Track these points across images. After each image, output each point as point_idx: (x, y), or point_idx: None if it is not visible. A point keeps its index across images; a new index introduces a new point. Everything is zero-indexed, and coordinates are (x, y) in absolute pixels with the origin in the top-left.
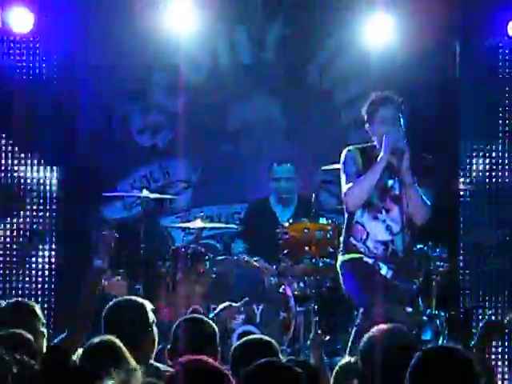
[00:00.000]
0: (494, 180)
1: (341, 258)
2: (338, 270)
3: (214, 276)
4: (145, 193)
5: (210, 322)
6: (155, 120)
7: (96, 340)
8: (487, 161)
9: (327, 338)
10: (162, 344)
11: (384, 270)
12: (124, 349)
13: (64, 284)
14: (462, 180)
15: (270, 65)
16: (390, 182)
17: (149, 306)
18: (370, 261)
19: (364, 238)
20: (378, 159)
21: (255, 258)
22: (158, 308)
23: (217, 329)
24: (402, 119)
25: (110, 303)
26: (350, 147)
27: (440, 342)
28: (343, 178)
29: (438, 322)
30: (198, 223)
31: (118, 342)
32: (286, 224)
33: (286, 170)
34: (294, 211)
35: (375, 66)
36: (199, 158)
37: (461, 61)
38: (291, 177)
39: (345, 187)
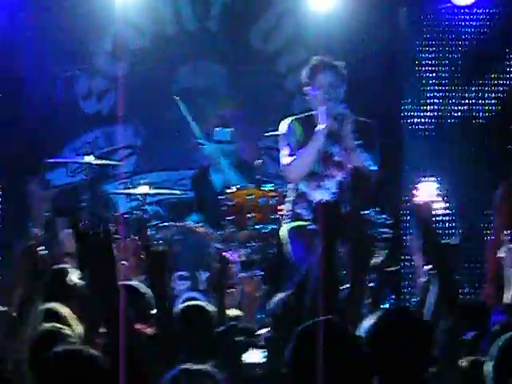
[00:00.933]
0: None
1: (287, 225)
2: (284, 237)
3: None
4: (88, 159)
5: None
6: (100, 86)
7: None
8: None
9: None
10: None
11: None
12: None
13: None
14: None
15: (214, 31)
16: (332, 149)
17: None
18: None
19: (309, 207)
20: (317, 130)
21: (199, 224)
22: None
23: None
24: (343, 84)
25: None
26: (290, 118)
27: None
28: (283, 150)
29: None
30: (142, 189)
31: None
32: (230, 190)
33: (226, 134)
34: (233, 177)
35: (320, 31)
36: (143, 124)
37: (404, 26)
38: (231, 140)
39: (286, 160)
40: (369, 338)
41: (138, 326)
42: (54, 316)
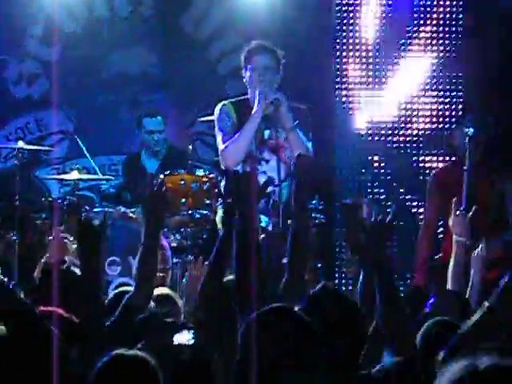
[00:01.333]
0: (369, 132)
1: (221, 211)
2: (219, 223)
3: None
4: (20, 144)
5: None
6: (30, 70)
7: None
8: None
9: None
10: None
11: (264, 223)
12: None
13: None
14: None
15: (147, 17)
16: (267, 133)
17: None
18: None
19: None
20: (252, 114)
21: (132, 210)
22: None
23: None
24: (278, 70)
25: None
26: (224, 101)
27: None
28: (219, 134)
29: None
30: (74, 175)
31: None
32: (162, 176)
33: (157, 123)
34: (161, 163)
35: (252, 16)
36: (75, 109)
37: (337, 13)
38: (161, 129)
39: (221, 146)
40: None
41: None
42: None
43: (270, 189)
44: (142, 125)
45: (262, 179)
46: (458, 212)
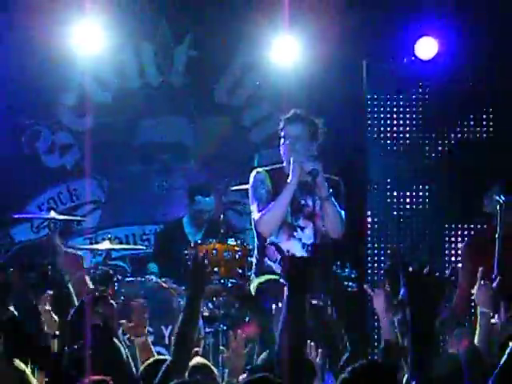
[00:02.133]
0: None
1: (256, 280)
2: (254, 292)
3: (122, 298)
4: (52, 214)
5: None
6: (63, 141)
7: None
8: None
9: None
10: None
11: None
12: None
13: None
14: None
15: (178, 86)
16: (303, 200)
17: None
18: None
19: (279, 259)
20: (288, 184)
21: (163, 279)
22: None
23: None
24: (314, 138)
25: None
26: (259, 169)
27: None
28: (254, 203)
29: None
30: (106, 244)
31: None
32: (193, 244)
33: (209, 203)
34: (204, 232)
35: (283, 85)
36: (107, 179)
37: (368, 80)
38: (212, 209)
39: (257, 215)
40: None
41: None
42: None
43: (304, 255)
44: (195, 201)
45: (297, 246)
46: (482, 282)
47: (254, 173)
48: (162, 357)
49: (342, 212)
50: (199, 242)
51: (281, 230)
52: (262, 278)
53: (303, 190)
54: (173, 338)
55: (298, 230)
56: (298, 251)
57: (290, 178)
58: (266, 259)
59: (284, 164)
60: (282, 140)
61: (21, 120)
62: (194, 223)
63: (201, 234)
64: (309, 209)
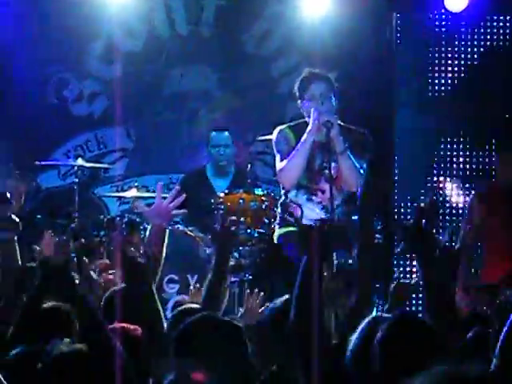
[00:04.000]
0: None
1: (278, 230)
2: (276, 241)
3: None
4: (79, 162)
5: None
6: (91, 89)
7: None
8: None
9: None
10: None
11: None
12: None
13: None
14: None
15: (207, 36)
16: (323, 163)
17: None
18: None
19: (299, 216)
20: (306, 133)
21: (190, 228)
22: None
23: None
24: (333, 95)
25: None
26: (281, 126)
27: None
28: (277, 156)
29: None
30: (132, 192)
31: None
32: (221, 194)
33: (223, 138)
34: (230, 182)
35: (313, 36)
36: (134, 127)
37: (398, 33)
38: (229, 144)
39: (279, 165)
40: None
41: None
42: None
43: (324, 216)
44: (210, 139)
45: (316, 210)
46: None
47: (277, 129)
48: (194, 305)
49: (363, 168)
50: (226, 191)
51: (301, 191)
52: (283, 230)
53: (322, 152)
54: (202, 295)
55: (318, 192)
56: (317, 212)
57: (308, 129)
58: (288, 215)
59: (307, 119)
60: (305, 102)
61: (48, 68)
62: (215, 168)
63: (226, 182)
64: (328, 171)
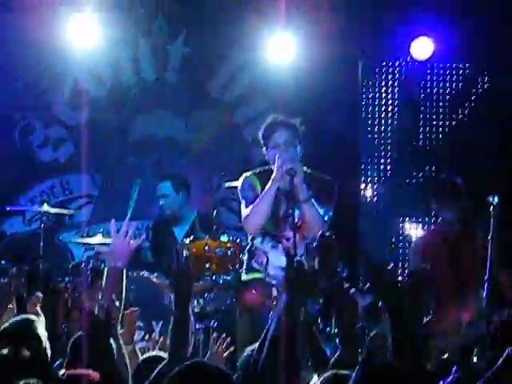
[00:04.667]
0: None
1: (244, 276)
2: (242, 287)
3: None
4: (45, 207)
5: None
6: (56, 134)
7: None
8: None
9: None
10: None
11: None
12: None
13: None
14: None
15: (172, 82)
16: (287, 210)
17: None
18: (273, 282)
19: (264, 264)
20: (270, 180)
21: (155, 275)
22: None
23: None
24: (299, 142)
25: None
26: (247, 173)
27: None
28: (242, 203)
29: (336, 341)
30: (98, 239)
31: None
32: (187, 241)
33: (163, 187)
34: (190, 228)
35: (278, 83)
36: (100, 173)
37: (363, 79)
38: (168, 193)
39: (244, 212)
40: None
41: None
42: None
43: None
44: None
45: (282, 257)
46: None
47: (242, 176)
48: (162, 354)
49: (327, 215)
50: (191, 238)
51: (266, 238)
52: (250, 275)
53: (287, 200)
54: (167, 341)
55: (284, 240)
56: (282, 260)
57: (272, 176)
58: (253, 262)
59: (272, 166)
60: (269, 150)
61: (14, 113)
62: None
63: (183, 231)
64: (294, 219)
